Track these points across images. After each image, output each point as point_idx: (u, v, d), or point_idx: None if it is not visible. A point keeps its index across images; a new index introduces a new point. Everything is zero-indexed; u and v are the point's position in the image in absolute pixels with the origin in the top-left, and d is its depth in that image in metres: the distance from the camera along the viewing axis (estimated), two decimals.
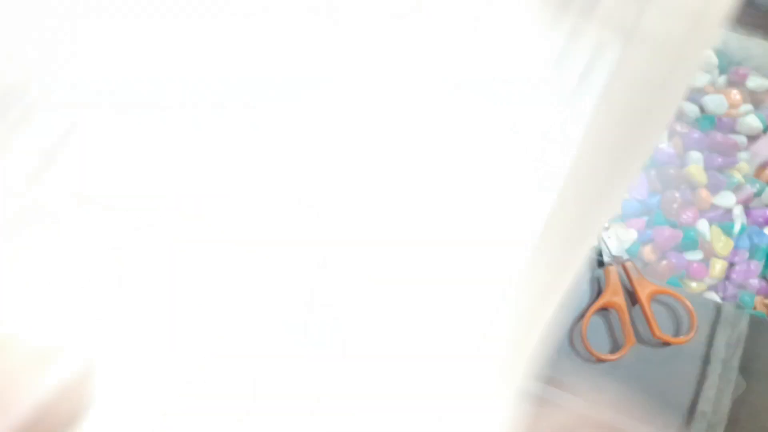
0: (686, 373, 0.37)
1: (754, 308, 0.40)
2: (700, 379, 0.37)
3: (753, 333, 0.38)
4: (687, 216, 0.42)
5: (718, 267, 0.41)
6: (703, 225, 0.42)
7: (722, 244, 0.41)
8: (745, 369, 0.37)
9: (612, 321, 0.39)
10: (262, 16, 0.22)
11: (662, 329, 0.38)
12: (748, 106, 0.45)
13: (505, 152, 0.21)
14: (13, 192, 0.20)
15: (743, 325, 0.38)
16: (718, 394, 0.36)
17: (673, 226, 0.42)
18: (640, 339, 0.38)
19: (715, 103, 0.45)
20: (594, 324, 0.38)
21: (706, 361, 0.37)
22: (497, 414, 0.19)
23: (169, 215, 0.21)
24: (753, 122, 0.44)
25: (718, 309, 0.39)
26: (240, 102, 0.21)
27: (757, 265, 0.41)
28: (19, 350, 0.20)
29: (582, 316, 0.38)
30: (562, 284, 0.18)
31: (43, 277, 0.20)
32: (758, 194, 0.43)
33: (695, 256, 0.41)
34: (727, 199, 0.42)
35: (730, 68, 0.46)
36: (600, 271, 0.39)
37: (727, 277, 0.41)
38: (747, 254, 0.41)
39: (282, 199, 0.21)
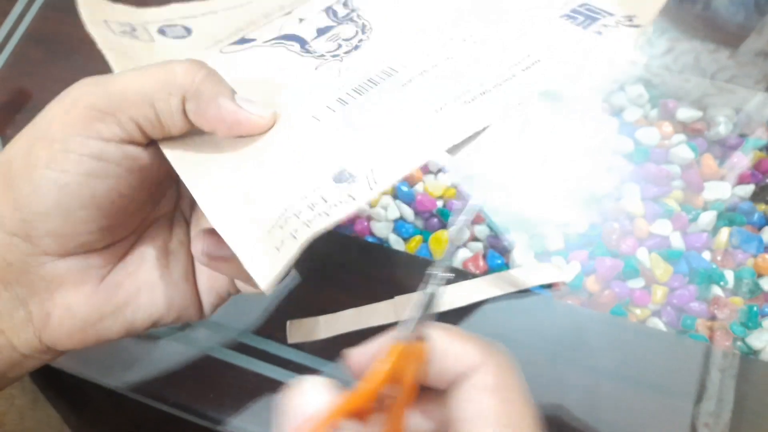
0: None
1: (696, 331, 0.42)
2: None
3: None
4: (627, 245, 0.44)
5: (660, 293, 0.43)
6: (642, 253, 0.44)
7: (662, 271, 0.43)
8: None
9: None
10: None
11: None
12: (680, 137, 0.47)
13: None
14: None
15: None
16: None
17: (614, 255, 0.44)
18: None
19: (648, 135, 0.47)
20: None
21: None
22: None
23: None
24: (685, 152, 0.46)
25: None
26: None
27: (696, 289, 0.43)
28: None
29: None
30: None
31: None
32: (693, 220, 0.45)
33: (637, 283, 0.43)
34: (663, 226, 0.44)
35: (659, 102, 0.48)
36: None
37: (668, 302, 0.43)
38: (686, 279, 0.43)
39: None
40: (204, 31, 0.32)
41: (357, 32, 0.29)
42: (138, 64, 0.25)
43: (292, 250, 0.21)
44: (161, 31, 0.32)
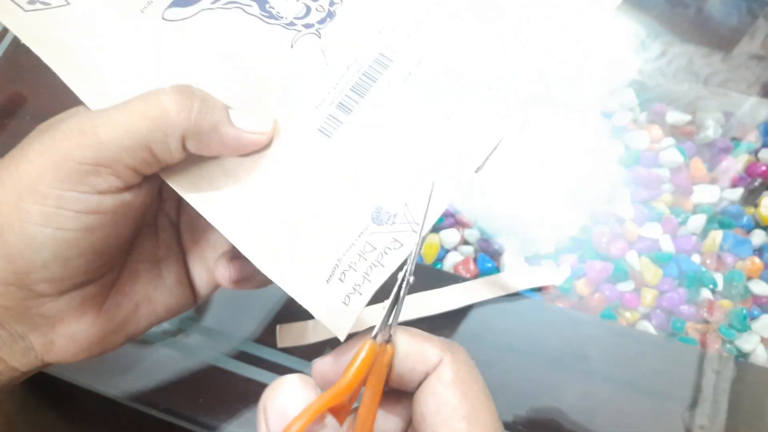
0: None
1: (686, 334, 0.42)
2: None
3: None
4: (617, 249, 0.44)
5: (650, 296, 0.43)
6: (632, 256, 0.44)
7: (652, 274, 0.43)
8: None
9: None
10: None
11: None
12: (670, 140, 0.48)
13: None
14: None
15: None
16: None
17: (604, 259, 0.44)
18: None
19: (638, 139, 0.47)
20: None
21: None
22: None
23: None
24: (674, 155, 0.46)
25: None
26: None
27: (685, 292, 0.43)
28: None
29: None
30: None
31: None
32: (683, 223, 0.45)
33: (627, 286, 0.43)
34: (653, 230, 0.44)
35: (649, 105, 0.49)
36: None
37: (658, 306, 0.43)
38: (676, 282, 0.43)
39: None
40: None
41: None
42: (75, 56, 0.23)
43: (359, 305, 0.22)
44: None
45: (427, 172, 0.24)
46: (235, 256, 0.26)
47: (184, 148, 0.22)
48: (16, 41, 0.52)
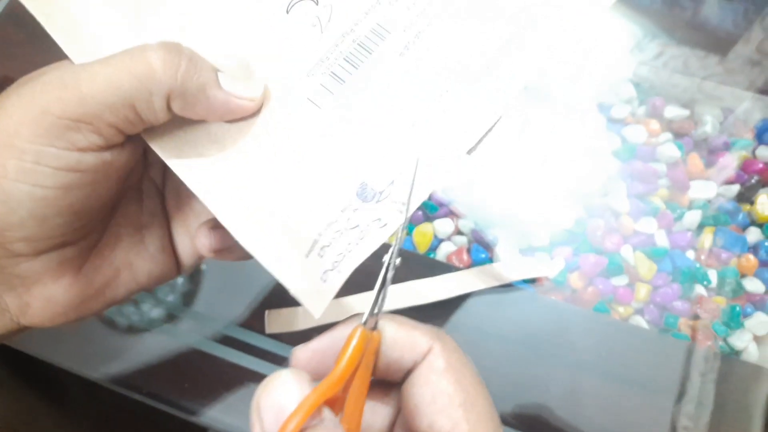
0: None
1: (679, 330, 0.41)
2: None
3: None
4: (611, 242, 0.44)
5: (643, 291, 0.42)
6: (627, 251, 0.43)
7: (646, 269, 0.43)
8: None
9: None
10: None
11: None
12: (667, 135, 0.47)
13: None
14: None
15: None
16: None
17: (599, 252, 0.43)
18: None
19: (635, 133, 0.47)
20: None
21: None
22: None
23: None
24: (671, 150, 0.46)
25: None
26: None
27: (679, 288, 0.42)
28: None
29: None
30: None
31: None
32: (678, 218, 0.45)
33: (621, 281, 0.43)
34: (648, 224, 0.44)
35: (648, 100, 0.48)
36: None
37: (651, 301, 0.42)
38: (670, 277, 0.43)
39: None
40: None
41: None
42: (63, 10, 0.22)
43: (337, 283, 0.22)
44: None
45: (416, 150, 0.23)
46: (216, 225, 0.25)
47: (168, 108, 0.22)
48: (3, 17, 0.51)
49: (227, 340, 0.39)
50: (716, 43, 0.51)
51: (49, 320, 0.24)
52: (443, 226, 0.44)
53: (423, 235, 0.44)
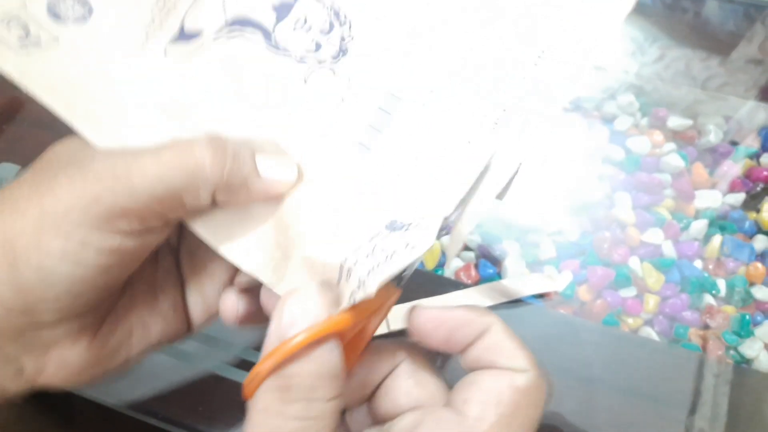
0: None
1: (689, 340, 0.41)
2: None
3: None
4: (618, 254, 0.44)
5: (652, 302, 0.42)
6: (634, 262, 0.44)
7: (654, 279, 0.43)
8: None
9: None
10: None
11: None
12: (671, 145, 0.48)
13: None
14: None
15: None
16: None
17: (606, 264, 0.43)
18: None
19: (639, 144, 0.47)
20: None
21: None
22: None
23: None
24: (675, 161, 0.46)
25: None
26: None
27: (688, 298, 0.43)
28: None
29: None
30: None
31: None
32: (685, 228, 0.45)
33: (629, 292, 0.43)
34: (655, 235, 0.44)
35: (650, 110, 0.48)
36: None
37: (660, 312, 0.43)
38: (678, 288, 0.43)
39: None
40: (109, 6, 0.25)
41: (332, 23, 0.25)
42: (75, 96, 0.23)
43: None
44: (54, 15, 0.24)
45: (447, 196, 0.24)
46: (244, 288, 0.26)
47: (213, 199, 0.23)
48: None
49: (240, 363, 0.39)
50: (718, 44, 0.51)
51: (61, 381, 0.25)
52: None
53: (430, 252, 0.45)
